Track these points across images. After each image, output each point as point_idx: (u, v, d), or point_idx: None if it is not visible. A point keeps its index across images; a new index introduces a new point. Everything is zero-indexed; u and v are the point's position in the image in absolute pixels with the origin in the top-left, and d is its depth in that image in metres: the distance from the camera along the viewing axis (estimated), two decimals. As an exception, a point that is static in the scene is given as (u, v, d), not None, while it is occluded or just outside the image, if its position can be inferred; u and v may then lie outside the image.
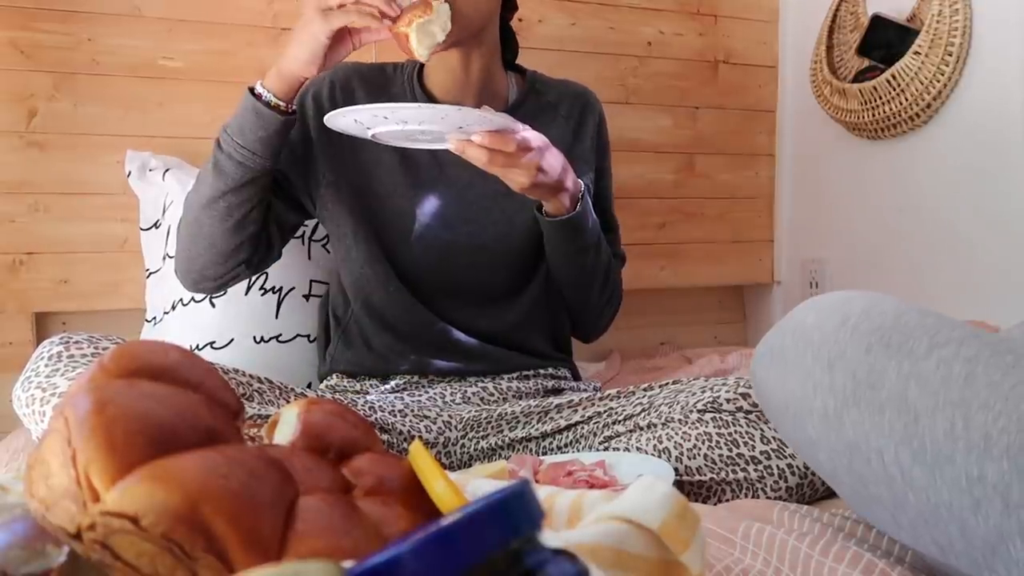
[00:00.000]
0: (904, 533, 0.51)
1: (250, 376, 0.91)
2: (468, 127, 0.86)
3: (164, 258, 1.32)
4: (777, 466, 0.82)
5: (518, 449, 0.97)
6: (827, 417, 0.51)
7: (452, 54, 1.05)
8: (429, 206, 1.08)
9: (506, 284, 1.12)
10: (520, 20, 1.61)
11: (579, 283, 1.13)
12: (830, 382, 0.51)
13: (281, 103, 0.95)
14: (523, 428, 0.98)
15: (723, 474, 0.83)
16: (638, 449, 0.88)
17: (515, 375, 1.11)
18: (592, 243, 1.08)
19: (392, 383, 1.07)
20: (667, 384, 0.96)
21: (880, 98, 1.51)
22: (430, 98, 1.11)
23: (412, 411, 0.99)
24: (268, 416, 0.82)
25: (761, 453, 0.83)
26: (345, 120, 0.87)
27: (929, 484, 0.46)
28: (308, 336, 1.29)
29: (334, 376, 1.12)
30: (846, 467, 0.52)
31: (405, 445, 0.95)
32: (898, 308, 0.52)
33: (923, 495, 0.47)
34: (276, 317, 1.27)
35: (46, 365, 0.79)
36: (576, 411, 0.97)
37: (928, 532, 0.48)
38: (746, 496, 0.83)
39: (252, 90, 0.95)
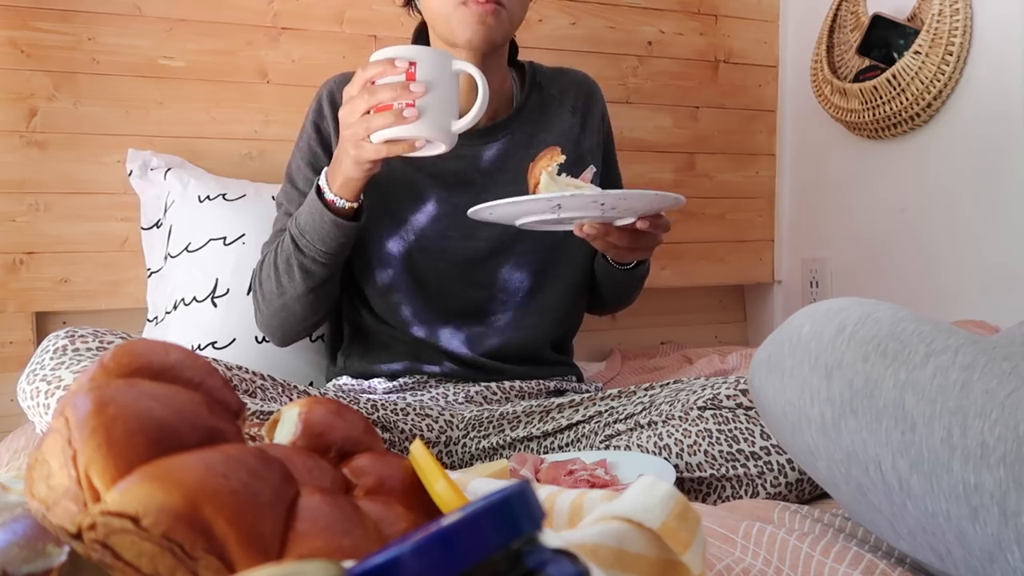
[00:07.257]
0: (903, 542, 0.51)
1: (253, 373, 0.91)
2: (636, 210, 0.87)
3: (165, 258, 1.32)
4: (777, 462, 0.83)
5: (519, 448, 0.97)
6: (825, 426, 0.51)
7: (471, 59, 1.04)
8: (424, 215, 1.08)
9: (507, 295, 1.11)
10: (520, 19, 1.61)
11: (628, 292, 1.21)
12: (827, 391, 0.51)
13: (354, 205, 0.95)
14: (524, 427, 0.98)
15: (723, 470, 0.83)
16: (639, 447, 0.88)
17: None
18: (647, 266, 1.13)
19: (395, 383, 1.07)
20: (668, 383, 0.96)
21: (880, 98, 1.51)
22: None
23: (414, 410, 0.99)
24: (270, 413, 0.82)
25: (761, 449, 0.83)
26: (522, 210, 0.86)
27: (927, 493, 0.46)
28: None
29: (344, 376, 1.12)
30: (844, 476, 0.52)
31: (406, 444, 0.95)
32: (894, 316, 0.52)
33: (921, 504, 0.47)
34: (277, 317, 1.27)
35: (51, 358, 0.80)
36: (577, 410, 0.97)
37: (927, 540, 0.48)
38: (746, 492, 0.83)
39: (321, 195, 0.95)
